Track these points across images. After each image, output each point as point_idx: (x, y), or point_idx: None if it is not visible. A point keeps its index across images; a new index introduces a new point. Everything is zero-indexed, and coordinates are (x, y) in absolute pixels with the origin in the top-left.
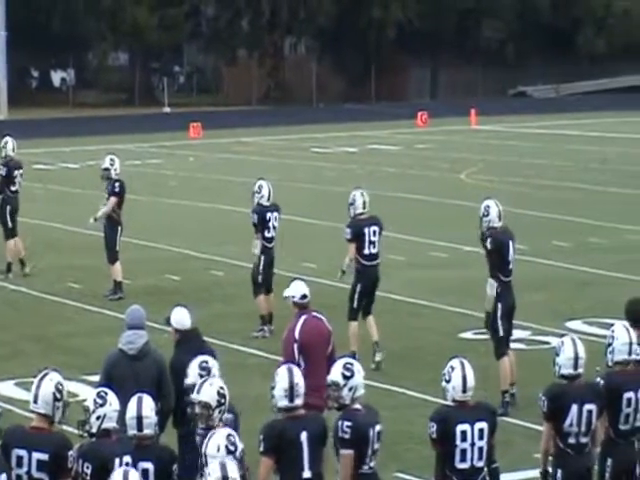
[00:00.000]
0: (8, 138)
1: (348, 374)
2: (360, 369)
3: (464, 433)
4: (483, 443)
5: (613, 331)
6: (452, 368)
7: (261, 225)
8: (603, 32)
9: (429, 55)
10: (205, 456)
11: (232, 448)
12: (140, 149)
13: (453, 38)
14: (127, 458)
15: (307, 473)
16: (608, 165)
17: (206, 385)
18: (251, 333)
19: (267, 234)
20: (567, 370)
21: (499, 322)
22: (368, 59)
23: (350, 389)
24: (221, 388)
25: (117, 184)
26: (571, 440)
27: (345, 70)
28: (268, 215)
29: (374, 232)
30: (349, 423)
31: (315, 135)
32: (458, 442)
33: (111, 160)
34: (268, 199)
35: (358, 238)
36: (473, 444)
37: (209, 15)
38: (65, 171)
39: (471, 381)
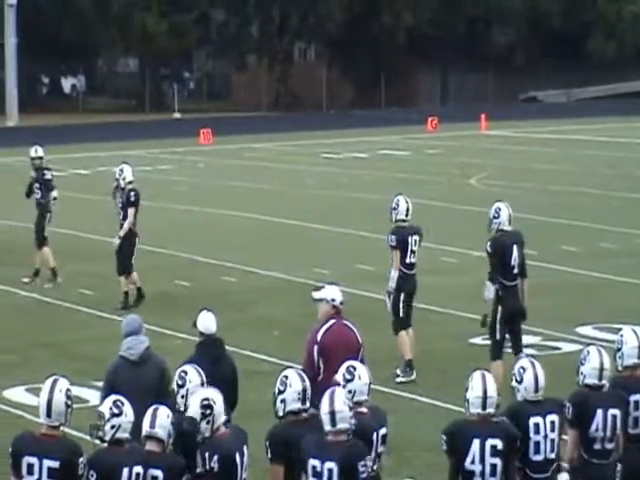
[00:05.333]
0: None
1: (348, 376)
2: (363, 374)
3: (537, 426)
4: (555, 435)
5: (622, 336)
6: (523, 369)
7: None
8: (613, 37)
9: (439, 61)
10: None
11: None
12: (151, 155)
13: (463, 44)
14: (138, 468)
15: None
16: (617, 169)
17: (191, 399)
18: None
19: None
20: (592, 380)
21: (497, 325)
22: (378, 65)
23: (349, 392)
24: (205, 400)
25: (132, 193)
26: (597, 446)
27: (355, 76)
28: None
29: (415, 241)
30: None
31: (325, 141)
32: (532, 435)
33: (120, 170)
34: (130, 182)
35: (402, 247)
36: (546, 436)
37: (218, 21)
38: (76, 177)
39: (542, 381)
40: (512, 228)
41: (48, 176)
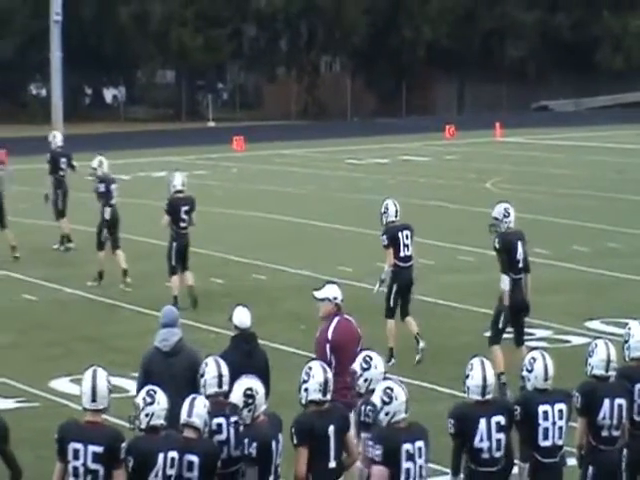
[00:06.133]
0: (102, 157)
1: (365, 366)
2: (379, 364)
3: (546, 413)
4: (563, 423)
5: (630, 329)
6: (534, 359)
7: (174, 215)
8: (620, 50)
9: (456, 72)
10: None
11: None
12: (187, 161)
13: (478, 56)
14: (173, 454)
15: (332, 463)
16: (624, 175)
17: (235, 386)
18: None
19: (182, 224)
20: (599, 371)
21: (502, 316)
22: (399, 76)
23: (365, 380)
24: (249, 389)
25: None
26: (604, 433)
27: (377, 86)
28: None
29: (407, 236)
30: (371, 407)
31: (350, 147)
32: (541, 421)
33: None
34: (181, 191)
35: (394, 243)
36: (554, 423)
37: (250, 36)
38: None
39: (551, 371)
40: (515, 227)
41: (101, 189)
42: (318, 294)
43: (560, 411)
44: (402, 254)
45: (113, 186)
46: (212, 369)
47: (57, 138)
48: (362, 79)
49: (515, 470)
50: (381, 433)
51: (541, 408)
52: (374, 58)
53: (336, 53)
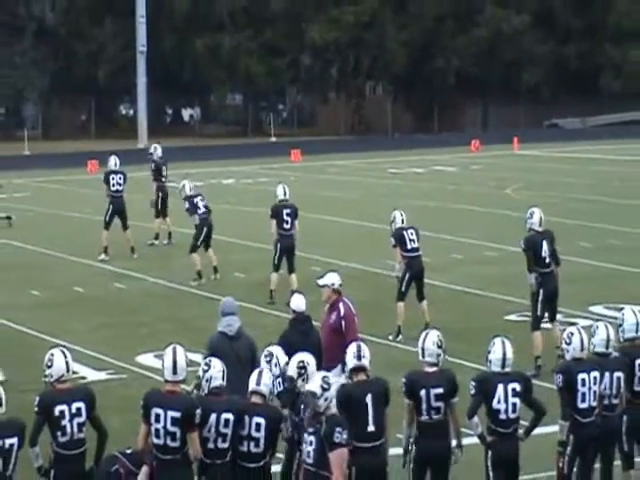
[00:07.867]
0: (185, 181)
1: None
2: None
3: (583, 380)
4: (596, 387)
5: (623, 314)
6: (571, 334)
7: (278, 219)
8: (619, 76)
9: (481, 95)
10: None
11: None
12: (252, 170)
13: (499, 82)
14: (227, 415)
15: (371, 427)
16: (625, 182)
17: (290, 362)
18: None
19: (285, 225)
20: (600, 349)
21: (539, 305)
22: (432, 99)
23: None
24: (301, 362)
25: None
26: (605, 401)
27: (414, 108)
28: (284, 211)
29: (411, 232)
30: (404, 380)
31: (391, 159)
32: (579, 387)
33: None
34: (285, 200)
35: (400, 241)
36: (590, 388)
37: (306, 64)
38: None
39: (586, 343)
40: (543, 228)
41: (186, 205)
42: (321, 281)
43: (594, 377)
44: (409, 246)
45: (195, 199)
46: (282, 356)
47: (158, 150)
48: (401, 101)
49: (556, 428)
50: (342, 421)
51: (580, 376)
52: (411, 84)
53: (379, 79)
